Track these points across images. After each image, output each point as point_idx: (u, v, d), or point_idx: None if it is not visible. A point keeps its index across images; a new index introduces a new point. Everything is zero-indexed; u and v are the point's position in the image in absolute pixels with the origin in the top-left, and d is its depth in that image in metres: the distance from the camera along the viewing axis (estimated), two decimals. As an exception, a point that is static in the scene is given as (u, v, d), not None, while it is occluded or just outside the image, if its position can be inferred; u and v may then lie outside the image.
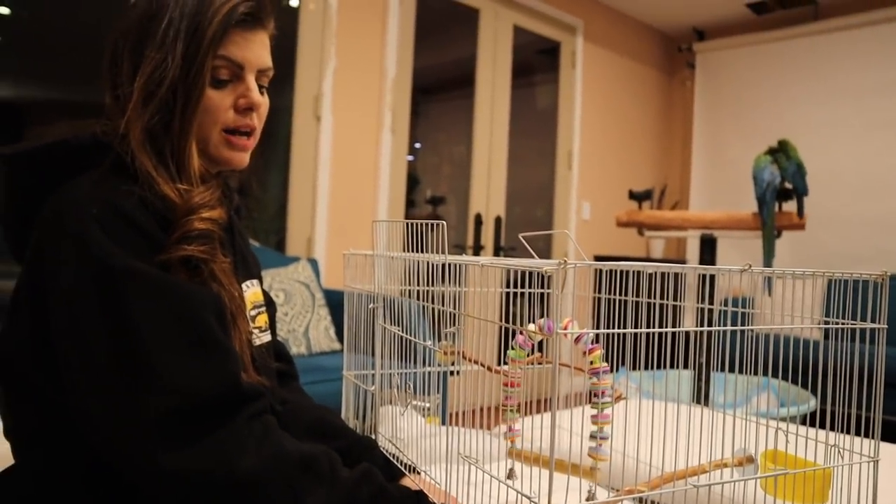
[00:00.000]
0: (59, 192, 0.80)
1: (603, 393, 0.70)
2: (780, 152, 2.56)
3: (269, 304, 1.06)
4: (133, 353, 0.71)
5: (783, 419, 0.90)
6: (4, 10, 2.47)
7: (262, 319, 1.00)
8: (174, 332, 0.73)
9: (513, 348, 0.77)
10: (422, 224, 0.88)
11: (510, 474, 0.81)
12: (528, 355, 0.77)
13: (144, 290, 0.73)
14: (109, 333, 0.72)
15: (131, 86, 0.82)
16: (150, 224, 0.78)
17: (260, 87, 0.91)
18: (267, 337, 1.00)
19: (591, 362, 0.72)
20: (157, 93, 0.81)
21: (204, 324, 0.75)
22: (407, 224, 0.91)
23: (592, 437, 0.71)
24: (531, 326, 0.73)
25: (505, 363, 0.81)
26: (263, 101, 0.90)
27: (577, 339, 0.71)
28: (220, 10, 0.83)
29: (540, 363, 0.94)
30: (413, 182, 3.91)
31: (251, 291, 0.98)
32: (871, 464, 0.85)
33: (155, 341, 0.72)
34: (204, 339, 0.75)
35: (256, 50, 0.88)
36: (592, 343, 0.72)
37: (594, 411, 0.71)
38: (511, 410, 0.83)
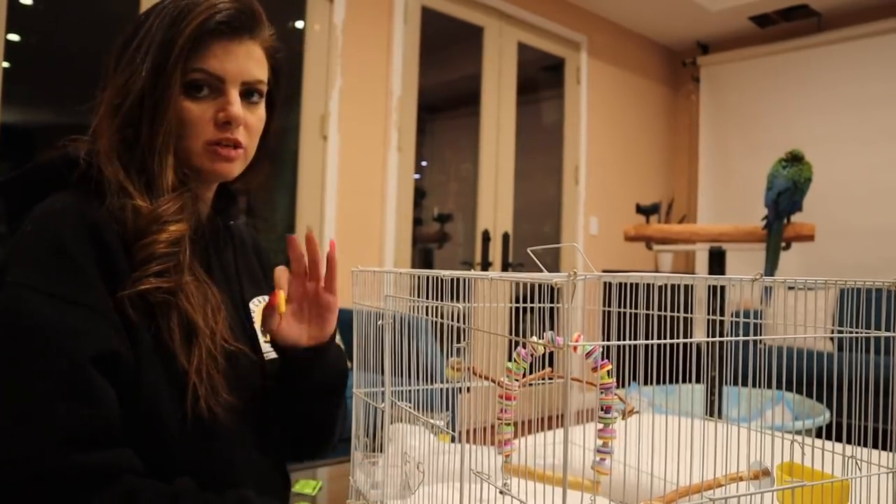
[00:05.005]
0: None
1: (608, 408, 0.70)
2: (783, 163, 2.56)
3: None
4: None
5: (797, 432, 0.89)
6: (14, 37, 2.51)
7: None
8: (14, 385, 0.69)
9: (513, 360, 0.76)
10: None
11: (503, 489, 0.80)
12: (526, 371, 0.76)
13: (12, 328, 0.70)
14: None
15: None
16: (84, 252, 0.75)
17: (251, 100, 0.88)
18: (275, 354, 1.00)
19: (601, 378, 0.71)
20: (124, 104, 0.80)
21: (46, 383, 0.69)
22: (408, 275, 0.89)
23: (600, 451, 0.71)
24: (535, 338, 0.72)
25: (514, 379, 0.80)
26: (246, 115, 0.86)
27: (589, 354, 0.71)
28: (193, 21, 0.81)
29: (551, 378, 0.94)
30: (420, 200, 3.92)
31: (260, 307, 0.98)
32: (890, 475, 0.84)
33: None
34: (38, 401, 0.69)
35: (240, 62, 0.85)
36: (602, 359, 0.71)
37: (601, 426, 0.71)
38: (506, 424, 0.82)
